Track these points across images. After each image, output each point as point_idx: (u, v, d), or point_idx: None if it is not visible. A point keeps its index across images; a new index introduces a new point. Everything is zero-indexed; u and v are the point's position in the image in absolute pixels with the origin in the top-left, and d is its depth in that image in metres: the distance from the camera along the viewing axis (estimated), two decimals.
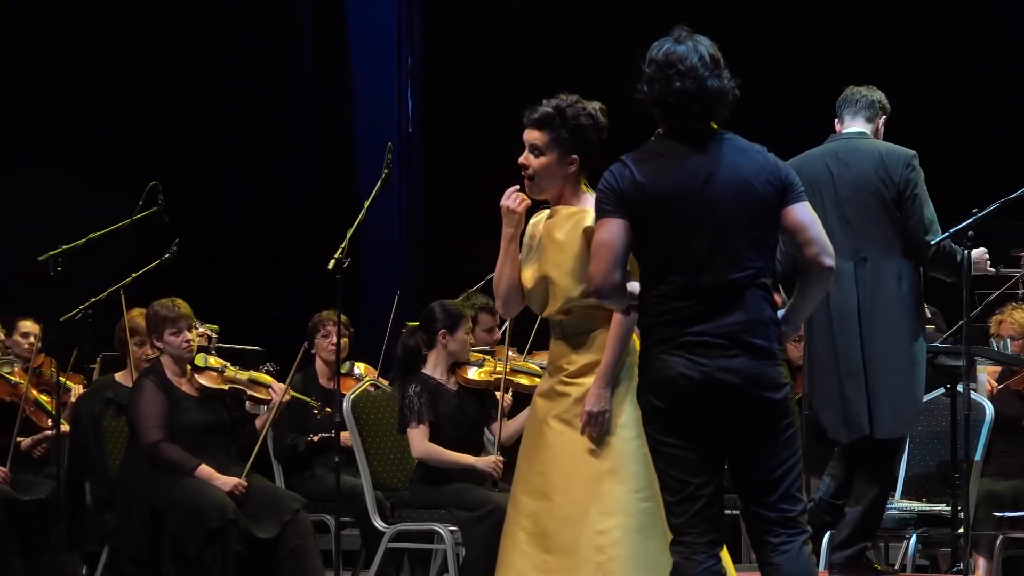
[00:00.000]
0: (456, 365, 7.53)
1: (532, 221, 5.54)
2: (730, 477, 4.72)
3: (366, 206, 7.28)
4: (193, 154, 11.75)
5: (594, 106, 5.43)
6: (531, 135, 5.41)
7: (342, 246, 7.06)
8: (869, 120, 6.89)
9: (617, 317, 5.23)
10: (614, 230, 4.63)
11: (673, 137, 4.66)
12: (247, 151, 12.00)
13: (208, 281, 10.57)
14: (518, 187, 5.42)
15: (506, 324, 7.73)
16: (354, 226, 7.18)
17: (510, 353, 7.61)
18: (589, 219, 5.14)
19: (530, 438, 5.48)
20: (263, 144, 12.11)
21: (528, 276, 5.46)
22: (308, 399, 8.26)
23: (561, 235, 5.38)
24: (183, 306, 7.55)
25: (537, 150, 5.40)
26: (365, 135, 12.20)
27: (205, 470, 7.43)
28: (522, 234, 5.51)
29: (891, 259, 6.75)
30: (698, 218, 4.58)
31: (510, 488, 6.67)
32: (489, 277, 5.88)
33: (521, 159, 5.42)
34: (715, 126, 4.67)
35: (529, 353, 8.09)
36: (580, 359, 5.39)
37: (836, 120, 6.97)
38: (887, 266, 6.74)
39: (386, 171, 7.30)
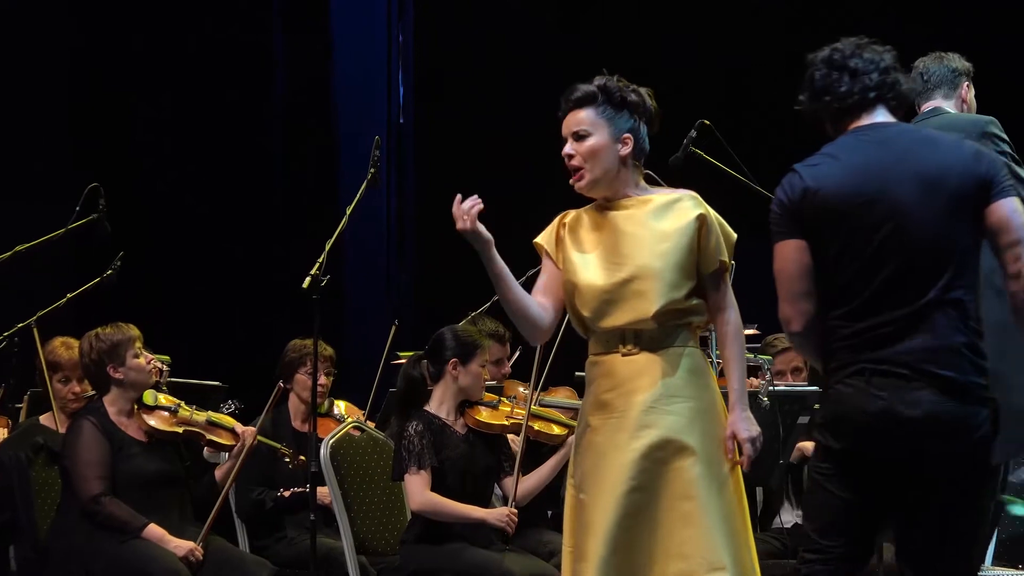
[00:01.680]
0: (466, 404, 7.12)
1: (565, 220, 5.24)
2: (894, 536, 4.59)
3: (348, 212, 7.08)
4: (131, 147, 11.30)
5: (641, 88, 5.22)
6: (573, 119, 5.17)
7: (320, 260, 6.79)
8: (947, 96, 6.63)
9: (732, 324, 5.06)
10: (789, 255, 4.54)
11: (849, 135, 4.62)
12: (203, 143, 11.55)
13: (157, 302, 10.36)
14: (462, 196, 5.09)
15: (516, 354, 7.55)
16: (334, 236, 6.95)
17: (524, 391, 7.33)
18: (697, 204, 5.02)
19: (606, 487, 5.03)
20: (224, 134, 11.65)
21: (600, 277, 5.10)
22: (278, 445, 7.76)
23: (664, 224, 5.06)
24: (129, 326, 7.27)
25: (581, 134, 5.16)
26: (348, 127, 11.74)
27: (155, 530, 7.04)
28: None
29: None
30: (879, 225, 4.49)
31: (520, 547, 7.00)
32: (497, 298, 5.42)
33: (565, 150, 5.17)
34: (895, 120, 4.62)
35: (544, 389, 7.60)
36: (676, 378, 5.03)
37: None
38: None
39: (372, 171, 7.12)
